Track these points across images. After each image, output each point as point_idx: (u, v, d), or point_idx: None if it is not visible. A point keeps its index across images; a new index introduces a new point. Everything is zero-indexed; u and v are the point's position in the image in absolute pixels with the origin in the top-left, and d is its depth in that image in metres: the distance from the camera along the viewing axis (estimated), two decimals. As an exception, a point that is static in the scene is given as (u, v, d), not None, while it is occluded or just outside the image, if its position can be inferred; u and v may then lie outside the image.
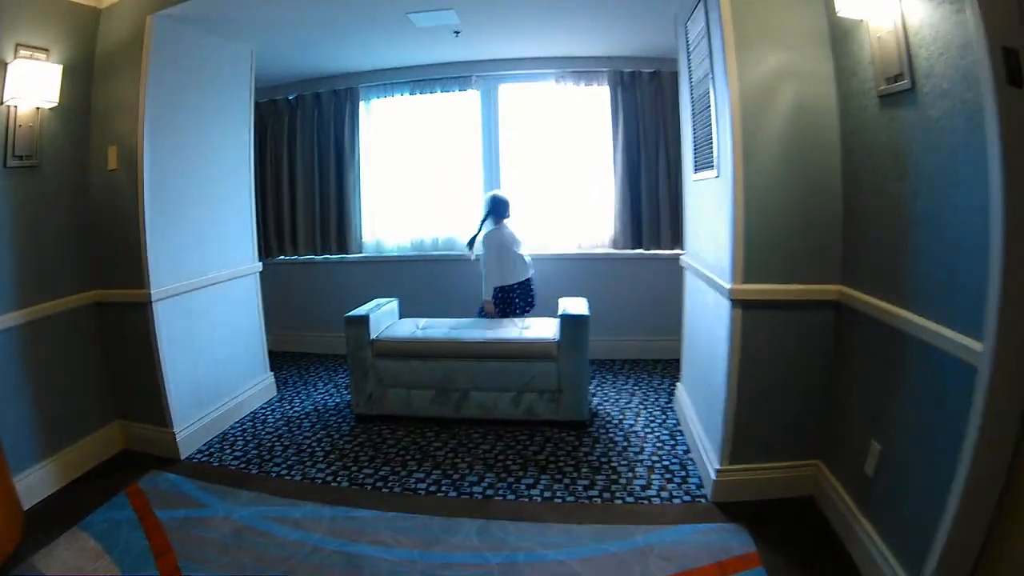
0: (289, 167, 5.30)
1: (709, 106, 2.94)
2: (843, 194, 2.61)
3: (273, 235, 5.43)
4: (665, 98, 4.76)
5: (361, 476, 3.27)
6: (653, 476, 3.17)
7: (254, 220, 4.27)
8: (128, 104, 3.33)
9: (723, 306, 2.82)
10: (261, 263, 4.33)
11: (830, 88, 2.57)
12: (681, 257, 3.81)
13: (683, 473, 3.19)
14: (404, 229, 5.30)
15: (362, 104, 5.16)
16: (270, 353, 5.42)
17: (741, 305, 2.70)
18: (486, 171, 5.14)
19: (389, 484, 3.17)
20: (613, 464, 3.31)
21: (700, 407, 3.35)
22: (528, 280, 4.39)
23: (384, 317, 4.09)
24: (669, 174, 4.78)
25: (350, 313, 3.90)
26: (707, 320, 3.18)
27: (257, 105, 5.26)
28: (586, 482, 3.12)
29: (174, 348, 3.53)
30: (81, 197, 3.45)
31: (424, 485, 3.14)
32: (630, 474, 3.20)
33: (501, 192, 4.45)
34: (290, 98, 5.26)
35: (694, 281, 3.51)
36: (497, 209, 4.30)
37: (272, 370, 4.83)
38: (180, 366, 3.58)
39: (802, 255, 2.67)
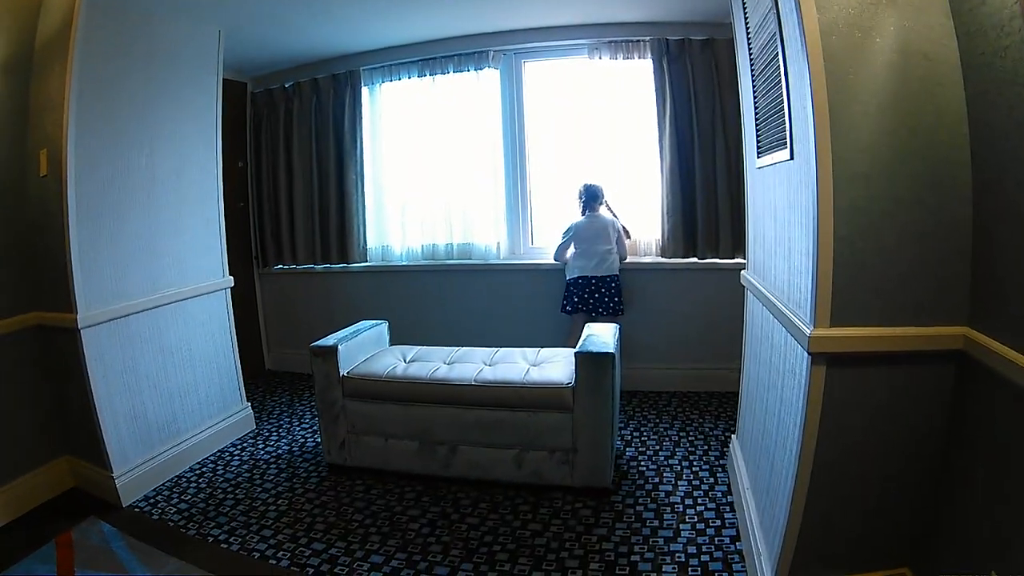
0: (287, 164, 4.56)
1: (776, 56, 1.88)
2: (973, 187, 1.54)
3: (271, 242, 4.72)
4: (722, 72, 3.72)
5: (307, 553, 2.47)
6: (685, 583, 2.20)
7: (222, 227, 3.52)
8: (56, 101, 2.69)
9: (797, 356, 1.77)
10: (232, 278, 3.58)
11: (945, 21, 1.51)
12: (743, 272, 2.73)
13: None
14: (414, 234, 4.45)
15: (365, 90, 4.35)
16: (267, 373, 4.80)
17: (826, 360, 1.63)
18: (508, 164, 4.22)
19: (336, 569, 2.36)
20: (633, 558, 2.35)
21: (757, 484, 2.31)
22: (609, 279, 3.82)
23: (364, 345, 3.25)
24: (729, 165, 3.72)
25: (316, 342, 3.08)
26: (773, 368, 2.10)
27: (252, 96, 4.60)
28: (592, 589, 2.19)
29: (112, 380, 2.88)
30: (19, 208, 2.86)
31: (378, 575, 2.30)
32: (653, 574, 2.25)
33: (592, 181, 3.94)
34: (286, 86, 4.51)
35: (758, 308, 2.38)
36: (587, 199, 3.91)
37: (262, 395, 4.15)
38: (120, 401, 2.92)
39: (911, 281, 1.61)
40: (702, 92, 3.74)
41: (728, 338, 3.73)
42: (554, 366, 2.93)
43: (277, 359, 4.95)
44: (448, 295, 4.39)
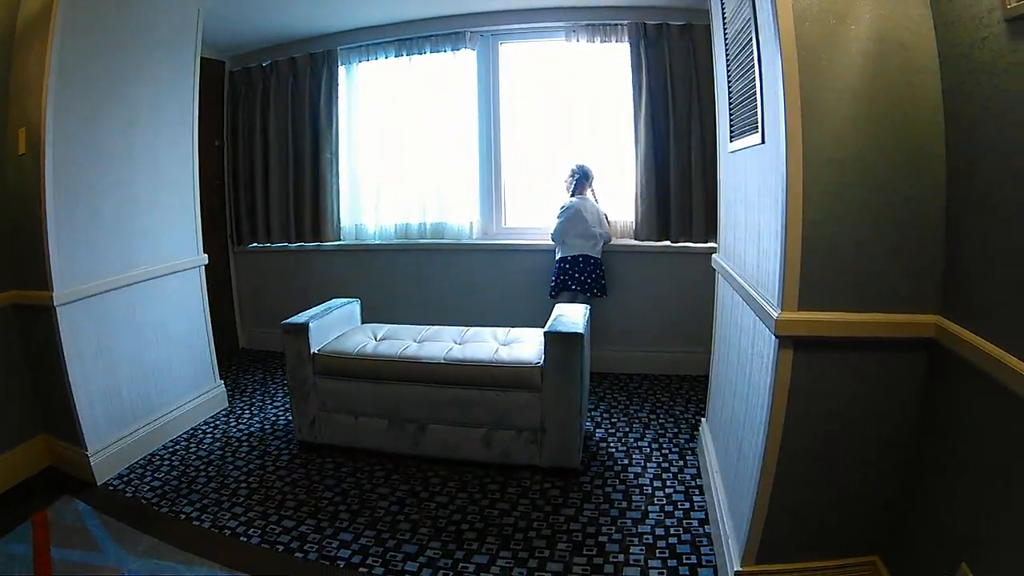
0: (263, 143, 4.45)
1: (750, 41, 1.87)
2: (947, 176, 1.53)
3: (245, 219, 4.62)
4: (699, 58, 3.67)
5: (277, 531, 2.45)
6: (652, 562, 2.20)
7: (197, 204, 3.44)
8: (35, 79, 2.61)
9: (765, 339, 1.77)
10: (206, 256, 3.51)
11: (923, 11, 1.50)
12: (714, 256, 2.69)
13: (693, 559, 2.22)
14: (388, 213, 4.38)
15: (342, 69, 4.25)
16: (241, 351, 4.75)
17: (792, 343, 1.63)
18: (482, 145, 4.15)
19: (306, 547, 2.34)
20: (601, 539, 2.35)
21: (726, 467, 2.31)
22: (598, 260, 3.80)
23: (336, 323, 3.21)
24: (704, 150, 3.68)
25: (287, 320, 3.03)
26: (742, 352, 2.11)
27: (230, 75, 4.49)
28: (558, 566, 2.19)
29: (86, 358, 2.82)
30: None
31: (347, 552, 2.30)
32: (621, 555, 2.25)
33: (584, 162, 3.87)
34: (263, 65, 4.40)
35: (728, 292, 2.37)
36: (579, 179, 3.83)
37: (236, 373, 4.10)
38: (95, 379, 2.86)
39: (884, 268, 1.60)
40: (679, 77, 3.70)
41: (699, 322, 3.75)
42: (523, 346, 2.91)
43: (251, 337, 4.88)
44: (421, 274, 4.34)
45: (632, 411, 3.47)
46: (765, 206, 1.80)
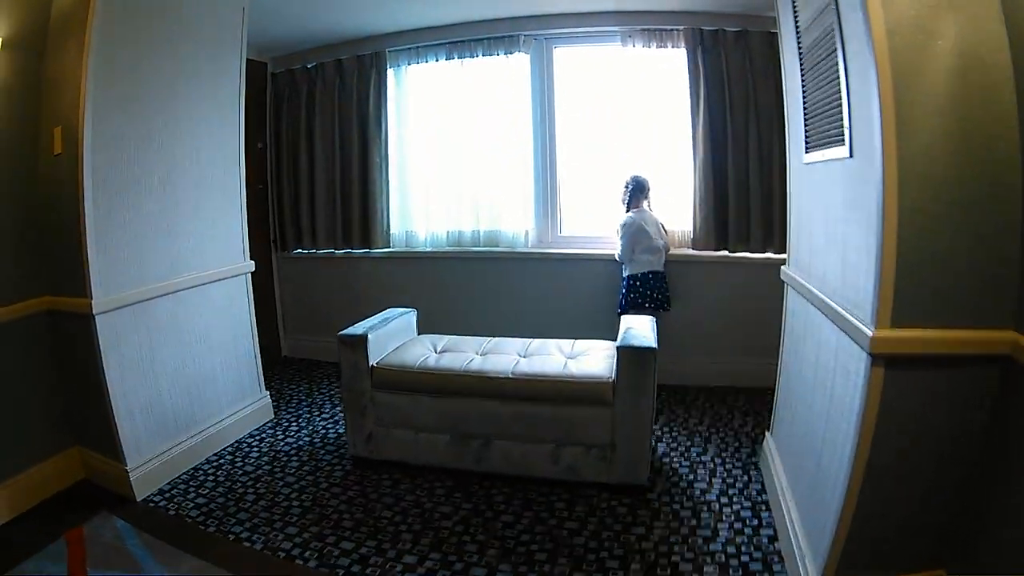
0: (308, 146, 4.30)
1: (833, 52, 1.80)
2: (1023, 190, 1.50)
3: (290, 225, 4.46)
4: (754, 64, 3.52)
5: (336, 553, 2.28)
6: (727, 584, 2.05)
7: (243, 209, 3.29)
8: (71, 74, 2.46)
9: (853, 356, 1.69)
10: (253, 262, 3.36)
11: (999, 28, 1.47)
12: (783, 268, 2.60)
13: None
14: (439, 220, 4.22)
15: (391, 72, 4.10)
16: (284, 360, 4.59)
17: (885, 362, 1.56)
18: (537, 151, 3.99)
19: (368, 571, 2.17)
20: (674, 559, 2.20)
21: (798, 483, 2.20)
22: (661, 274, 3.63)
23: (393, 334, 3.04)
24: (760, 158, 3.54)
25: (344, 331, 2.86)
26: (821, 367, 2.02)
27: (272, 77, 4.36)
28: (635, 590, 2.03)
29: (127, 369, 2.66)
30: (31, 186, 2.63)
31: (413, 577, 2.13)
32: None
33: (638, 173, 3.69)
34: (308, 67, 4.26)
35: (802, 305, 2.29)
36: (635, 190, 3.64)
37: (280, 383, 3.93)
38: (136, 391, 2.70)
39: (965, 284, 1.56)
40: (736, 84, 3.53)
41: (756, 333, 3.61)
42: (591, 359, 2.74)
43: (294, 346, 4.72)
44: (474, 283, 4.17)
45: (692, 424, 3.29)
46: (853, 220, 1.75)
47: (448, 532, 2.38)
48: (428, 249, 4.25)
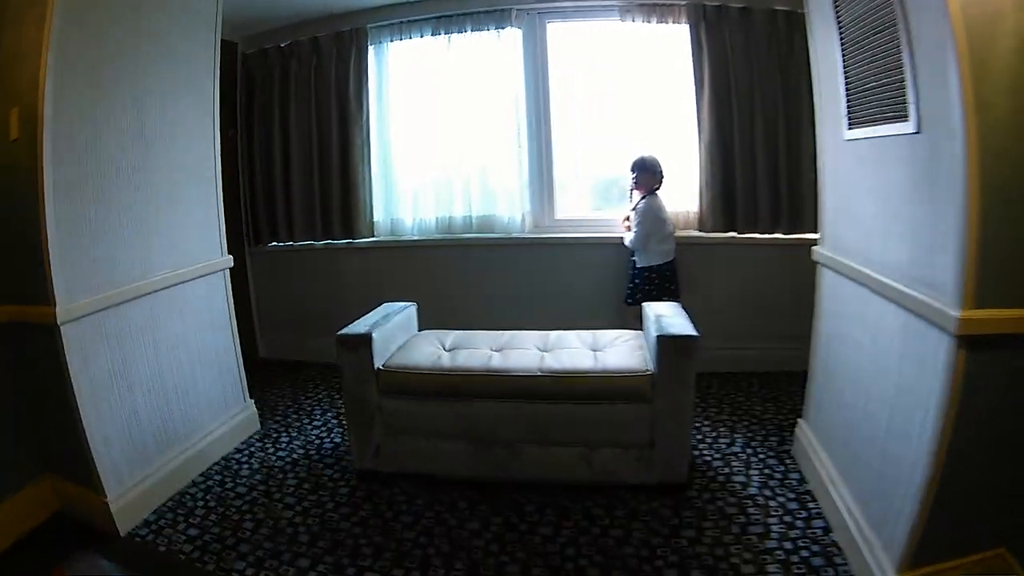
0: (282, 132, 3.86)
1: (892, 25, 1.72)
2: None
3: (263, 216, 4.02)
4: (758, 41, 3.32)
5: (360, 586, 1.95)
6: (794, 583, 1.86)
7: (220, 200, 2.89)
8: (30, 53, 2.03)
9: (930, 340, 1.61)
10: (231, 257, 2.97)
11: None
12: (817, 249, 2.42)
13: (830, 571, 1.93)
14: (427, 205, 3.85)
15: (372, 49, 3.71)
16: (261, 363, 4.14)
17: (969, 344, 1.48)
18: (531, 132, 3.67)
19: (403, 606, 1.85)
20: (733, 560, 1.99)
21: (853, 473, 2.08)
22: (674, 263, 3.38)
23: (395, 332, 2.70)
24: (767, 138, 3.34)
25: (344, 330, 2.50)
26: (880, 352, 1.91)
27: (244, 58, 3.90)
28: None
29: (99, 385, 2.25)
30: None
31: (456, 611, 1.83)
32: (762, 580, 1.88)
33: (648, 154, 3.35)
34: (282, 46, 3.82)
35: (849, 288, 2.14)
36: (637, 175, 3.34)
37: (260, 389, 3.53)
38: (110, 409, 2.30)
39: None
40: (740, 62, 3.32)
41: (769, 316, 3.46)
42: (620, 351, 2.48)
43: (271, 346, 4.27)
44: (468, 272, 3.83)
45: (712, 413, 3.07)
46: (925, 199, 1.66)
47: (483, 552, 2.09)
48: (416, 237, 3.88)
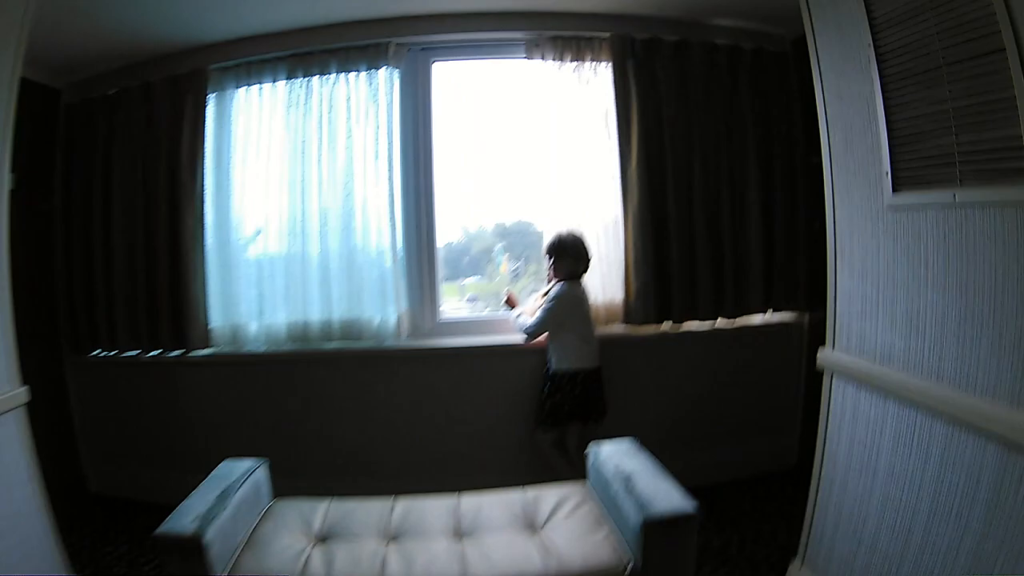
0: (104, 206, 2.92)
1: (993, 48, 1.36)
2: None
3: (83, 318, 3.02)
4: (697, 83, 2.77)
5: None
6: None
7: (8, 309, 2.00)
8: None
9: None
10: (25, 388, 2.03)
11: None
12: (826, 354, 2.02)
13: None
14: (276, 307, 2.93)
15: (213, 98, 2.86)
16: (93, 499, 3.14)
17: None
18: (406, 204, 2.89)
19: None
20: None
21: None
22: (599, 371, 2.68)
23: (240, 516, 1.88)
24: (708, 206, 2.82)
25: (162, 529, 1.68)
26: (945, 487, 1.56)
27: (66, 110, 2.98)
28: None
29: None
30: None
31: None
32: None
33: (568, 231, 2.68)
34: (109, 93, 2.91)
35: (891, 409, 1.75)
36: (555, 258, 2.65)
37: (92, 543, 2.70)
38: None
39: None
40: (677, 110, 2.75)
41: (715, 419, 2.96)
42: (570, 528, 1.79)
43: (104, 477, 3.20)
44: (334, 395, 2.94)
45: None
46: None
47: None
48: (263, 350, 2.96)
